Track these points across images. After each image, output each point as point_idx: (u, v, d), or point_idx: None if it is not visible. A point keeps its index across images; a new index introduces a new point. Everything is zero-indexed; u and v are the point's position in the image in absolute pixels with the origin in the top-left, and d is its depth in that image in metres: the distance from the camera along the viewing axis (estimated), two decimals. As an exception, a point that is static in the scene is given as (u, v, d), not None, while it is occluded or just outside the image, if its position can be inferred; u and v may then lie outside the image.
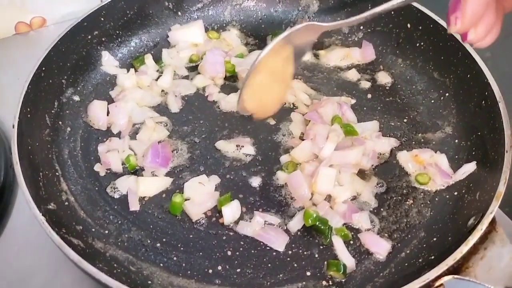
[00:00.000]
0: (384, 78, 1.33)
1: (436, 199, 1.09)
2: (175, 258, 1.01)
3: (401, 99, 1.29)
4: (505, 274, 0.84)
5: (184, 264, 1.00)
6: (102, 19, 1.31)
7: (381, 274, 0.98)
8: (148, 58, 1.35)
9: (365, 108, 1.27)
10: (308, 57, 1.39)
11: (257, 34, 1.45)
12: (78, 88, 1.27)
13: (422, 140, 1.20)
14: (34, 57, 1.16)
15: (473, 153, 1.12)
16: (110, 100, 1.26)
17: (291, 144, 1.19)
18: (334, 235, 1.03)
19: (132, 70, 1.32)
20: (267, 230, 1.04)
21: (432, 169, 1.12)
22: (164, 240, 1.04)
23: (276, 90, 1.10)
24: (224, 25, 1.47)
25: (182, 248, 1.03)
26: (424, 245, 1.01)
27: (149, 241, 1.03)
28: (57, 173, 1.11)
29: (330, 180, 1.08)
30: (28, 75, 1.11)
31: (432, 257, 0.95)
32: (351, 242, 1.03)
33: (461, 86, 1.20)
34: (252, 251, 1.02)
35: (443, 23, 1.23)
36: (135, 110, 1.24)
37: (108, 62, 1.33)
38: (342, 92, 1.30)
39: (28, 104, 1.09)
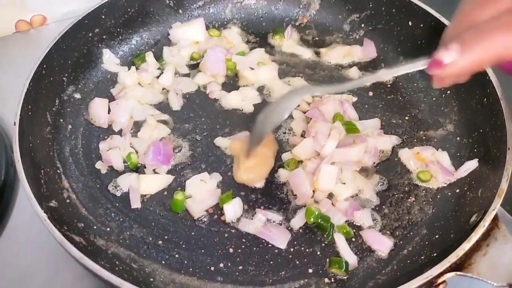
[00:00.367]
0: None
1: (438, 196, 1.09)
2: (177, 256, 1.01)
3: (403, 97, 1.29)
4: (507, 270, 0.84)
5: (186, 262, 1.00)
6: (103, 16, 1.31)
7: (383, 271, 0.98)
8: (149, 56, 1.35)
9: (366, 106, 1.27)
10: (309, 55, 1.38)
11: (258, 32, 1.45)
12: (79, 86, 1.27)
13: (424, 137, 1.20)
14: (35, 55, 1.16)
15: (475, 150, 1.12)
16: (111, 98, 1.26)
17: (292, 141, 1.18)
18: (336, 232, 1.03)
19: (133, 68, 1.32)
20: (269, 228, 1.04)
21: (433, 167, 1.12)
22: (166, 237, 1.04)
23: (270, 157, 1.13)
24: (225, 23, 1.46)
25: (184, 246, 1.02)
26: (426, 243, 1.01)
27: (151, 239, 1.03)
28: (58, 171, 1.11)
29: (332, 178, 1.07)
30: (29, 73, 1.11)
31: (434, 254, 0.95)
32: (353, 239, 1.03)
33: (463, 83, 1.19)
34: (254, 249, 1.02)
35: (444, 20, 1.23)
36: (136, 108, 1.24)
37: (109, 60, 1.33)
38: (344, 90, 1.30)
39: (29, 102, 1.08)
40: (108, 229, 1.05)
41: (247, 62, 1.33)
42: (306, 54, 1.39)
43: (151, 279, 0.97)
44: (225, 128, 1.22)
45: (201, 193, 1.09)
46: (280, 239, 1.02)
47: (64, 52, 1.22)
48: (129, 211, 1.08)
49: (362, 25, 1.41)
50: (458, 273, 0.87)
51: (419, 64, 0.89)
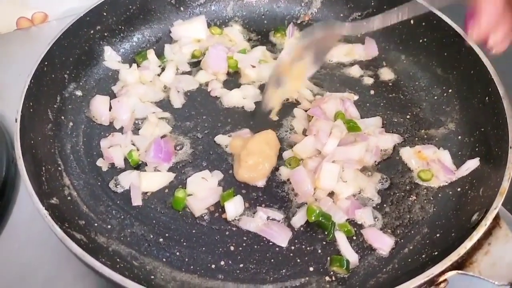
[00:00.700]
0: (387, 74, 1.33)
1: (439, 195, 1.09)
2: (178, 253, 1.01)
3: (404, 95, 1.29)
4: (509, 269, 0.84)
5: (187, 259, 1.00)
6: (105, 14, 1.30)
7: (384, 269, 0.98)
8: (151, 54, 1.35)
9: (368, 104, 1.26)
10: (310, 53, 1.38)
11: (260, 30, 1.45)
12: (81, 83, 1.27)
13: (425, 136, 1.20)
14: (36, 52, 1.16)
15: (477, 149, 1.11)
16: (113, 95, 1.26)
17: (294, 140, 1.18)
18: (337, 230, 1.03)
19: (134, 65, 1.32)
20: (270, 226, 1.04)
21: (435, 165, 1.12)
22: (167, 235, 1.04)
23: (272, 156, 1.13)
24: (227, 20, 1.46)
25: (185, 243, 1.02)
26: (428, 241, 1.01)
27: (152, 236, 1.03)
28: (59, 168, 1.10)
29: (333, 176, 1.07)
30: (30, 70, 1.11)
31: (436, 253, 0.95)
32: (354, 237, 1.03)
33: (465, 82, 1.20)
34: (255, 247, 1.02)
35: (446, 19, 1.23)
36: (137, 105, 1.24)
37: (111, 57, 1.33)
38: (345, 88, 1.30)
39: (31, 99, 1.08)
40: (109, 226, 1.04)
41: (248, 60, 1.32)
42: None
43: (152, 277, 0.97)
44: (226, 126, 1.22)
45: (202, 191, 1.09)
46: (281, 237, 1.02)
47: (66, 49, 1.22)
48: (130, 208, 1.07)
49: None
50: (460, 272, 0.86)
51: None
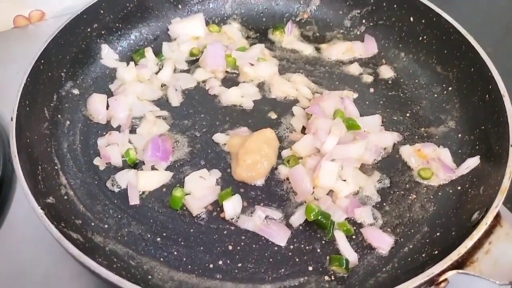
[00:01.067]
0: (386, 72, 1.32)
1: (440, 193, 1.08)
2: (175, 253, 1.00)
3: (404, 93, 1.28)
4: (510, 269, 0.83)
5: (184, 259, 0.99)
6: (102, 11, 1.30)
7: (384, 269, 0.97)
8: (148, 52, 1.34)
9: (367, 102, 1.26)
10: (310, 51, 1.38)
11: (258, 28, 1.44)
12: (78, 82, 1.26)
13: (425, 134, 1.19)
14: (33, 51, 1.15)
15: (477, 147, 1.11)
16: (110, 94, 1.25)
17: (292, 138, 1.18)
18: (336, 229, 1.02)
19: (132, 63, 1.31)
20: (269, 225, 1.03)
21: (435, 164, 1.11)
22: (164, 234, 1.03)
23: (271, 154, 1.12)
24: (225, 18, 1.46)
25: (182, 243, 1.02)
26: (428, 240, 1.00)
27: (149, 236, 1.02)
28: (56, 167, 1.10)
29: (332, 175, 1.07)
30: (26, 68, 1.10)
31: (436, 252, 0.95)
32: (354, 236, 1.02)
33: (465, 80, 1.19)
34: (254, 246, 1.01)
35: (446, 16, 1.22)
36: (135, 103, 1.23)
37: (108, 55, 1.32)
38: (344, 86, 1.29)
39: (27, 97, 1.08)
40: (106, 226, 1.04)
41: (247, 58, 1.32)
42: (307, 50, 1.38)
43: (149, 277, 0.96)
44: (224, 124, 1.21)
45: (200, 189, 1.08)
46: (279, 236, 1.01)
47: (62, 47, 1.21)
48: (127, 207, 1.07)
49: (363, 21, 1.40)
50: (460, 271, 0.86)
51: None
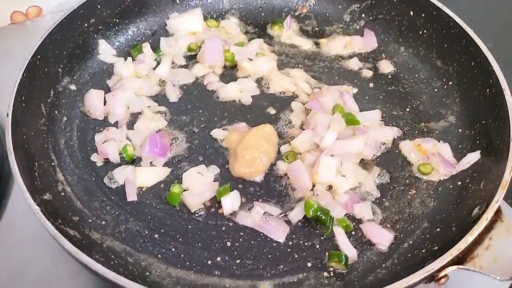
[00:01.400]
0: (386, 66, 1.31)
1: (440, 189, 1.07)
2: (173, 249, 0.99)
3: (404, 88, 1.27)
4: (511, 264, 0.83)
5: (182, 255, 0.99)
6: (99, 6, 1.29)
7: (384, 265, 0.97)
8: (146, 47, 1.33)
9: (367, 97, 1.25)
10: (309, 46, 1.37)
11: (257, 22, 1.43)
12: (75, 77, 1.25)
13: (425, 129, 1.18)
14: (31, 47, 1.14)
15: (477, 142, 1.10)
16: (107, 89, 1.25)
17: (291, 133, 1.17)
18: (336, 225, 1.02)
19: (129, 59, 1.30)
20: (267, 221, 1.02)
21: (435, 159, 1.11)
22: (162, 231, 1.02)
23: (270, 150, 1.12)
24: (223, 13, 1.45)
25: (180, 239, 1.01)
26: (428, 236, 0.99)
27: (147, 232, 1.02)
28: (53, 163, 1.09)
29: (332, 170, 1.06)
30: (23, 63, 1.09)
31: (436, 248, 0.94)
32: (353, 232, 1.02)
33: (465, 74, 1.18)
34: (252, 242, 1.01)
35: (446, 10, 1.21)
36: (132, 99, 1.22)
37: (105, 50, 1.31)
38: (344, 81, 1.28)
39: (23, 93, 1.07)
40: (104, 222, 1.03)
41: (245, 53, 1.31)
42: (306, 44, 1.37)
43: (147, 273, 0.95)
44: (223, 120, 1.20)
45: (198, 186, 1.07)
46: (278, 233, 1.01)
47: (59, 42, 1.20)
48: (125, 204, 1.06)
49: (363, 15, 1.39)
50: (460, 266, 0.85)
51: None
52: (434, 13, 1.23)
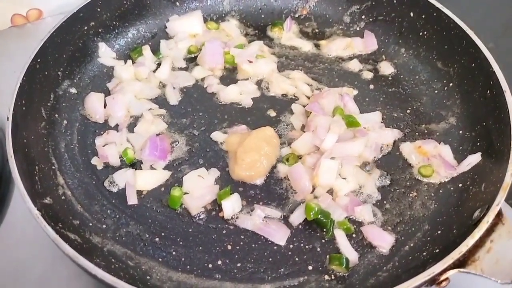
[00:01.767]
0: (386, 68, 1.31)
1: (440, 191, 1.07)
2: (174, 253, 0.99)
3: (404, 90, 1.27)
4: (512, 267, 0.82)
5: (183, 259, 0.99)
6: (99, 9, 1.29)
7: (385, 267, 0.97)
8: (146, 50, 1.33)
9: (367, 99, 1.25)
10: (309, 48, 1.37)
11: (257, 24, 1.43)
12: (75, 80, 1.25)
13: (426, 131, 1.18)
14: (31, 50, 1.14)
15: (478, 144, 1.09)
16: (107, 92, 1.25)
17: (292, 136, 1.17)
18: (336, 228, 1.01)
19: (129, 61, 1.30)
20: (268, 224, 1.02)
21: (436, 161, 1.10)
22: (162, 234, 1.02)
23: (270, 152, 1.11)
24: (223, 15, 1.44)
25: (181, 243, 1.01)
26: (428, 238, 0.99)
27: (147, 236, 1.02)
28: (53, 167, 1.09)
29: (332, 173, 1.06)
30: (23, 67, 1.09)
31: (437, 251, 0.94)
32: (354, 235, 1.01)
33: (466, 75, 1.18)
34: (253, 245, 1.00)
35: (447, 11, 1.21)
36: (133, 102, 1.22)
37: (105, 53, 1.31)
38: (344, 83, 1.28)
39: (23, 96, 1.07)
40: (104, 226, 1.03)
41: (245, 55, 1.31)
42: (306, 46, 1.37)
43: (148, 277, 0.95)
44: (223, 122, 1.20)
45: (198, 189, 1.07)
46: (279, 236, 1.01)
47: (59, 46, 1.20)
48: (125, 207, 1.06)
49: (363, 17, 1.39)
50: (461, 270, 0.85)
51: None
52: (434, 14, 1.23)
